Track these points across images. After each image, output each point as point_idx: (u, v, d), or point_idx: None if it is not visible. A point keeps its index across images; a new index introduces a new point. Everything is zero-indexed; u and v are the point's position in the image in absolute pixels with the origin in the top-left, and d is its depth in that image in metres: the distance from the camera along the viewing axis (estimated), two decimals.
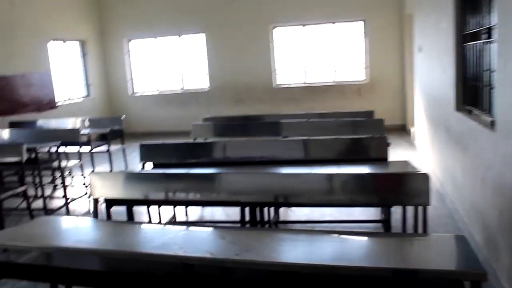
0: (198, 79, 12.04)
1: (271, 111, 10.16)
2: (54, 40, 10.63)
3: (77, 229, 3.18)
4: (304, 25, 11.17)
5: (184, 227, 2.99)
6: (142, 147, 4.85)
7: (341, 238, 2.70)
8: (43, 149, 6.50)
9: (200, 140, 6.03)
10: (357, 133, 5.52)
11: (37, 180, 6.37)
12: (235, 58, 11.51)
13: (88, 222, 3.54)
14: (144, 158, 4.86)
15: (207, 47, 11.68)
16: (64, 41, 11.07)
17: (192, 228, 2.99)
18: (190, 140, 5.79)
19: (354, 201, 3.42)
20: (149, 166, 4.90)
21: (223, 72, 11.65)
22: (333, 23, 10.98)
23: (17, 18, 9.49)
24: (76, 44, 11.61)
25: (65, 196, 6.43)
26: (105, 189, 3.62)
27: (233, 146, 4.87)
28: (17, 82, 9.38)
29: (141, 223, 3.60)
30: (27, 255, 2.94)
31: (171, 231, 2.95)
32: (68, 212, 6.16)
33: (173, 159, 4.89)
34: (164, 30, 11.92)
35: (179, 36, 11.94)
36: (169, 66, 12.19)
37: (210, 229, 3.01)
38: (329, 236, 2.77)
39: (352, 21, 10.93)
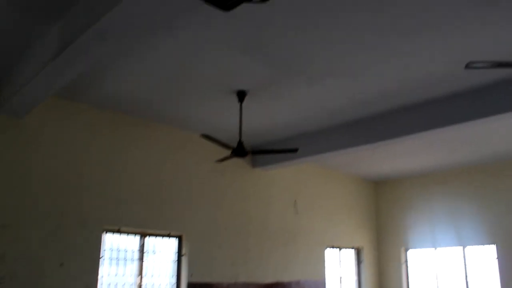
0: None
1: None
2: (330, 247, 10.70)
3: None
4: None
5: None
6: None
7: None
8: None
9: None
10: None
11: None
12: None
13: None
14: None
15: (498, 261, 9.94)
16: (340, 249, 11.03)
17: None
18: None
19: None
20: None
21: None
22: None
23: (299, 225, 9.97)
24: (351, 251, 11.44)
25: None
26: None
27: None
28: None
29: None
30: None
31: None
32: None
33: None
34: (446, 240, 10.83)
35: (464, 248, 10.61)
36: (452, 281, 10.68)
37: None
38: None
39: None
